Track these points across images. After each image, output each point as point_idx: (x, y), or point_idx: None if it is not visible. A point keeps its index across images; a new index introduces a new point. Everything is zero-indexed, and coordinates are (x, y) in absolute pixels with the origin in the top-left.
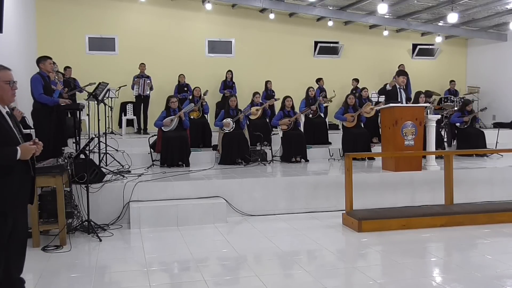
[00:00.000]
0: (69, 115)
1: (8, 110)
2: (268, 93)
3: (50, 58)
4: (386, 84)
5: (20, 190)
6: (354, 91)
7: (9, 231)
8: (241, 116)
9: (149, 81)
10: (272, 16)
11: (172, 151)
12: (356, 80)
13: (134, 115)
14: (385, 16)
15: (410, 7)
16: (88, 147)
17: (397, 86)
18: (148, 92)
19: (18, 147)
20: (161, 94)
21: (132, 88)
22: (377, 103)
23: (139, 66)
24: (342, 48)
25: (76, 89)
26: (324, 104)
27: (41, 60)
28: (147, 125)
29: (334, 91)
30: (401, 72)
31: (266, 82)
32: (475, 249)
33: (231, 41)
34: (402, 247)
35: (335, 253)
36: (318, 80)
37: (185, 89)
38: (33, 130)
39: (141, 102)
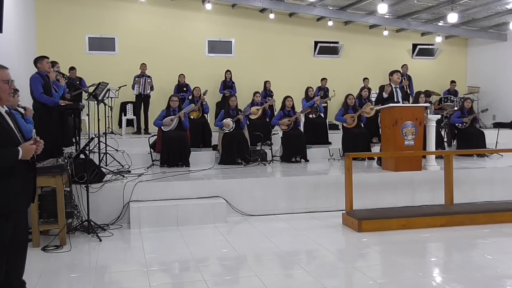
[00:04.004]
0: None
1: (7, 109)
2: (267, 93)
3: (47, 58)
4: (382, 92)
5: (22, 191)
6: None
7: (10, 233)
8: (241, 116)
9: (149, 80)
10: (272, 16)
11: (172, 151)
12: (367, 79)
13: (134, 115)
14: (385, 16)
15: (410, 7)
16: (88, 147)
17: (393, 86)
18: (148, 91)
19: (19, 148)
20: (161, 94)
21: (133, 88)
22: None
23: (140, 66)
24: (342, 48)
25: (81, 89)
26: (322, 104)
27: (38, 60)
28: (148, 124)
29: (334, 91)
30: (394, 71)
31: (265, 82)
32: (475, 249)
33: (231, 41)
34: (402, 247)
35: (335, 253)
36: (321, 80)
37: (185, 89)
38: (34, 130)
39: (142, 101)
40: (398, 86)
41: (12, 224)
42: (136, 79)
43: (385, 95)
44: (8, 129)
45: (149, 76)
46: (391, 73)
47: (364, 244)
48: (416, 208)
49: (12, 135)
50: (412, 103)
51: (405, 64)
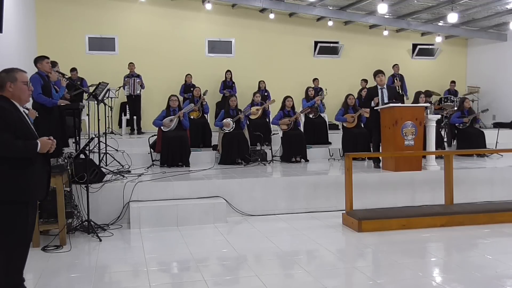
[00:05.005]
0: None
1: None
2: (261, 93)
3: (48, 58)
4: (368, 95)
5: (39, 181)
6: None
7: (30, 222)
8: (241, 116)
9: (139, 80)
10: (272, 16)
11: (172, 151)
12: (365, 81)
13: (130, 115)
14: (385, 16)
15: (410, 7)
16: (88, 147)
17: (378, 87)
18: (139, 91)
19: (37, 141)
20: (162, 94)
21: (124, 88)
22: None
23: (128, 65)
24: (342, 48)
25: (81, 89)
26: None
27: (38, 60)
28: (141, 124)
29: (326, 89)
30: (376, 72)
31: (259, 82)
32: (475, 249)
33: (231, 41)
34: (402, 247)
35: (335, 253)
36: (313, 80)
37: (191, 89)
38: None
39: (133, 101)
40: (384, 87)
41: (30, 213)
42: (126, 79)
43: (373, 103)
44: (28, 125)
45: (138, 76)
46: (374, 76)
47: (364, 244)
48: (416, 208)
49: (31, 131)
50: (412, 103)
51: (396, 64)
